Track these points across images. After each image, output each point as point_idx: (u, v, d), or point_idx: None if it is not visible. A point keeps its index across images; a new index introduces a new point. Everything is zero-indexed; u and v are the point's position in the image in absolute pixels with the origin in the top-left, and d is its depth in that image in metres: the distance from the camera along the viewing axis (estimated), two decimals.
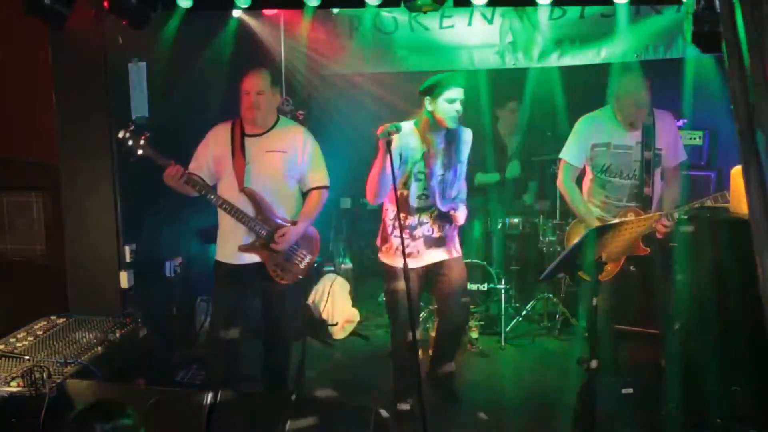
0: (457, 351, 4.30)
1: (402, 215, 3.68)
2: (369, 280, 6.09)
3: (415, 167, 3.78)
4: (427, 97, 3.75)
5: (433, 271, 3.95)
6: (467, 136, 3.94)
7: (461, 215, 3.87)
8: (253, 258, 3.87)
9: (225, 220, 3.90)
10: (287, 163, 3.90)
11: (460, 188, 3.97)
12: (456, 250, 3.99)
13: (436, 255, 3.91)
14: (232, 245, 3.88)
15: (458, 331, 4.22)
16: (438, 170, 3.82)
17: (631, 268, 4.28)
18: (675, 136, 4.14)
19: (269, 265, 3.88)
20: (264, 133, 3.91)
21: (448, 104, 3.73)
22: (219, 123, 4.01)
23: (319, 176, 4.01)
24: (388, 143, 3.43)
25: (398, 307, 3.84)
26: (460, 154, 3.89)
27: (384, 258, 3.96)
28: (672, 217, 3.89)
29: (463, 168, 3.94)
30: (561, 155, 4.22)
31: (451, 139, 3.84)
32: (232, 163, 3.84)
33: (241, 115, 3.89)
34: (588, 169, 4.20)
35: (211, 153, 3.90)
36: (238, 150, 3.86)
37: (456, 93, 3.73)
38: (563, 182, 4.20)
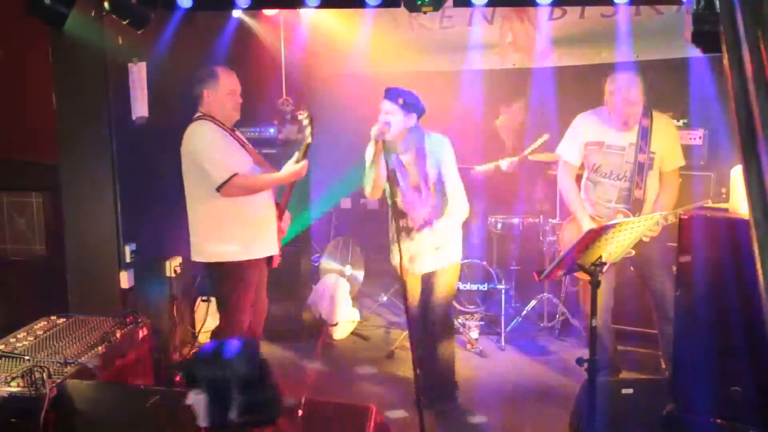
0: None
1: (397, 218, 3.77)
2: (371, 280, 6.10)
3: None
4: None
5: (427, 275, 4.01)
6: (440, 145, 3.89)
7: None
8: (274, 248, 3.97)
9: (255, 216, 3.84)
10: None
11: (448, 192, 3.91)
12: (452, 256, 3.99)
13: (433, 262, 3.94)
14: (263, 239, 3.88)
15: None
16: (413, 178, 3.84)
17: (631, 268, 4.28)
18: (673, 140, 4.09)
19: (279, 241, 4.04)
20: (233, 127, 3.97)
21: (380, 114, 3.75)
22: (206, 128, 3.78)
23: None
24: (383, 141, 3.64)
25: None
26: (425, 166, 3.84)
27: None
28: (658, 223, 3.87)
29: (446, 172, 3.88)
30: (557, 151, 4.23)
31: (414, 147, 3.84)
32: (254, 162, 3.88)
33: (226, 115, 3.82)
34: (585, 167, 4.20)
35: (240, 156, 3.82)
36: (251, 149, 3.95)
37: (384, 105, 3.74)
38: (560, 178, 4.21)
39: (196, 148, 3.73)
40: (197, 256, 3.89)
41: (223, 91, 3.76)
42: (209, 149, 3.72)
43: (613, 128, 4.00)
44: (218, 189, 3.65)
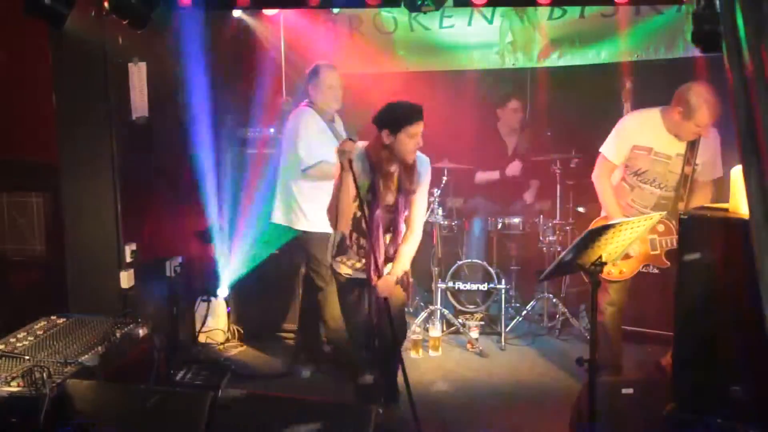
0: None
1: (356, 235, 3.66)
2: None
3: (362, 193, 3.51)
4: (385, 130, 3.49)
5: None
6: (423, 165, 3.67)
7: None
8: None
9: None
10: None
11: (413, 217, 3.70)
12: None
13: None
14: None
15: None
16: (388, 198, 3.62)
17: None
18: (716, 151, 4.04)
19: None
20: None
21: (409, 139, 3.48)
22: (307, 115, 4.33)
23: None
24: (350, 161, 3.36)
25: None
26: (413, 183, 3.63)
27: (337, 267, 3.81)
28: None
29: (417, 196, 3.68)
30: (601, 149, 4.15)
31: (405, 168, 3.61)
32: None
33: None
34: (621, 169, 4.17)
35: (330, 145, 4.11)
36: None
37: (418, 128, 3.49)
38: (598, 176, 4.14)
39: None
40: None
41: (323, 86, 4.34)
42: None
43: (663, 135, 3.96)
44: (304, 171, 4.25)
